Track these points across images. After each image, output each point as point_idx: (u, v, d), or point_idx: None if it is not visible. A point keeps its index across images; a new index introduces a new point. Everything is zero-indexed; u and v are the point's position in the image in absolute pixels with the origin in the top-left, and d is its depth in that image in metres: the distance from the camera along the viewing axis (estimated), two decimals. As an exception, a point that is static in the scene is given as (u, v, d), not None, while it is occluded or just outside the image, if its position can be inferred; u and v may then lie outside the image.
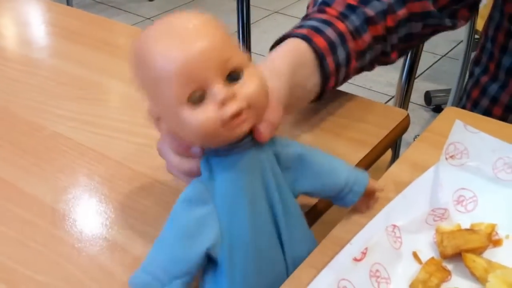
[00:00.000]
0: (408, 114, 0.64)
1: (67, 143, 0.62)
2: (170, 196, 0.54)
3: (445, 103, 1.79)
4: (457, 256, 0.45)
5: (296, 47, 0.54)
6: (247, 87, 0.38)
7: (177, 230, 0.40)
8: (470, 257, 0.44)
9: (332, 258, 0.43)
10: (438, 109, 1.85)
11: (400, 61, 0.97)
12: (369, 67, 0.64)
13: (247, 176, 0.41)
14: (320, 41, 0.55)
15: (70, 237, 0.51)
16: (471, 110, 0.76)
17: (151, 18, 2.56)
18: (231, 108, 0.37)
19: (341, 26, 0.57)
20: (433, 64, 2.17)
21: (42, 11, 0.99)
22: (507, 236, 0.46)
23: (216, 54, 0.37)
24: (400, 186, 0.49)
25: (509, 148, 0.49)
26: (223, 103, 0.37)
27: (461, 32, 1.58)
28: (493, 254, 0.45)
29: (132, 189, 0.56)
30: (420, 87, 1.97)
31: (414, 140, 1.56)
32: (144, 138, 0.63)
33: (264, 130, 0.40)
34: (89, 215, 0.54)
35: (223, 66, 0.37)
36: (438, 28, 0.66)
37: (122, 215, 0.53)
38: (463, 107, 0.79)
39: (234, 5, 1.28)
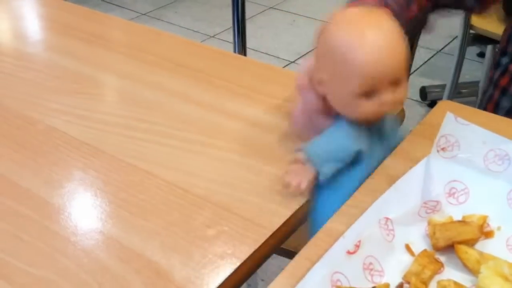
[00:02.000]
0: (403, 108, 0.64)
1: (61, 137, 0.62)
2: (164, 190, 0.54)
3: (441, 98, 1.79)
4: (449, 248, 0.45)
5: None
6: (401, 93, 0.50)
7: (344, 132, 0.52)
8: (462, 248, 0.44)
9: (326, 250, 0.43)
10: (433, 105, 1.85)
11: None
12: (411, 35, 0.71)
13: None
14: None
15: (65, 231, 0.51)
16: (499, 98, 0.78)
17: (146, 14, 2.55)
18: (387, 109, 0.50)
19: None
20: (428, 59, 2.17)
21: (36, 5, 0.98)
22: (498, 228, 0.47)
23: (399, 72, 0.49)
24: (393, 179, 0.49)
25: (500, 140, 0.50)
26: (385, 104, 0.49)
27: (456, 28, 1.59)
28: (485, 246, 0.45)
29: (127, 183, 0.56)
30: (415, 82, 1.97)
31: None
32: (139, 132, 0.63)
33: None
34: (84, 209, 0.54)
35: (395, 77, 0.49)
36: (461, 4, 0.73)
37: (117, 208, 0.53)
38: (490, 97, 0.80)
39: (229, 0, 1.28)
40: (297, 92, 0.57)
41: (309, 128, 0.57)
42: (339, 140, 0.52)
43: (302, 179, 0.52)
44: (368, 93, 0.49)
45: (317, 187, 0.53)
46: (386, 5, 0.60)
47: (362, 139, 0.52)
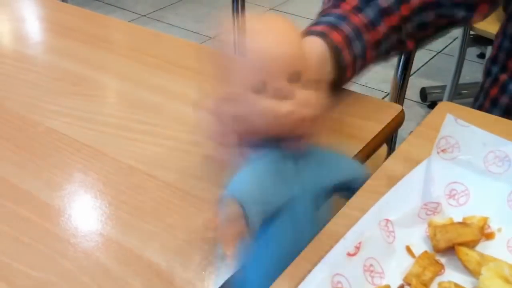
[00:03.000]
0: (402, 109, 0.64)
1: (61, 139, 0.62)
2: (165, 192, 0.54)
3: (441, 100, 1.79)
4: (450, 250, 0.45)
5: (315, 47, 0.56)
6: (308, 94, 0.45)
7: (267, 165, 0.45)
8: (463, 250, 0.44)
9: (326, 252, 0.43)
10: (433, 106, 1.84)
11: (395, 57, 0.98)
12: (386, 56, 0.67)
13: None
14: (336, 37, 0.57)
15: (65, 233, 0.51)
16: (490, 108, 0.77)
17: (147, 15, 2.56)
18: (292, 109, 0.44)
19: (356, 20, 0.60)
20: (428, 60, 2.18)
21: (37, 7, 0.98)
22: (499, 229, 0.47)
23: (292, 64, 0.44)
24: (393, 181, 0.49)
25: (500, 141, 0.50)
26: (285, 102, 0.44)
27: (457, 29, 1.59)
28: (485, 247, 0.45)
29: (127, 184, 0.56)
30: (415, 83, 1.97)
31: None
32: (139, 134, 0.63)
33: None
34: (84, 211, 0.54)
35: (289, 69, 0.44)
36: (453, 20, 0.68)
37: (117, 210, 0.53)
38: (481, 106, 0.79)
39: (229, 1, 1.28)
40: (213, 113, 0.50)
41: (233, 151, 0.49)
42: (264, 177, 0.44)
43: (232, 224, 0.43)
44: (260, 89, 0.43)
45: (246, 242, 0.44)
46: (337, 30, 0.58)
47: (290, 175, 0.45)
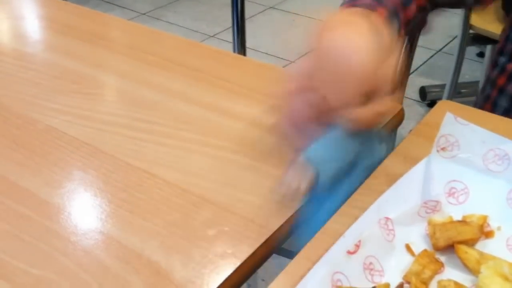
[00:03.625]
0: (402, 108, 0.64)
1: (61, 137, 0.62)
2: (164, 190, 0.54)
3: (440, 98, 1.79)
4: (449, 248, 0.45)
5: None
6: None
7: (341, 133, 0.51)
8: (462, 248, 0.44)
9: (326, 250, 0.43)
10: (433, 105, 1.85)
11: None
12: (411, 35, 0.68)
13: None
14: (380, 13, 0.57)
15: (65, 231, 0.51)
16: (498, 96, 0.78)
17: (146, 14, 2.55)
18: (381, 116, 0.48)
19: None
20: (428, 59, 2.18)
21: (36, 5, 0.98)
22: (498, 228, 0.47)
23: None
24: (393, 179, 0.49)
25: (500, 139, 0.50)
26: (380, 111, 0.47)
27: (456, 27, 1.59)
28: (485, 246, 0.45)
29: (127, 182, 0.56)
30: (415, 82, 1.97)
31: (408, 134, 1.56)
32: (139, 132, 0.63)
33: None
34: (84, 209, 0.54)
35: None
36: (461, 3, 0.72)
37: (117, 208, 0.53)
38: (487, 97, 0.80)
39: (229, 0, 1.28)
40: (285, 99, 0.53)
41: (297, 137, 0.53)
42: (338, 141, 0.51)
43: (302, 181, 0.52)
44: (367, 97, 0.47)
45: (313, 193, 0.51)
46: (382, 6, 0.60)
47: (357, 142, 0.51)
